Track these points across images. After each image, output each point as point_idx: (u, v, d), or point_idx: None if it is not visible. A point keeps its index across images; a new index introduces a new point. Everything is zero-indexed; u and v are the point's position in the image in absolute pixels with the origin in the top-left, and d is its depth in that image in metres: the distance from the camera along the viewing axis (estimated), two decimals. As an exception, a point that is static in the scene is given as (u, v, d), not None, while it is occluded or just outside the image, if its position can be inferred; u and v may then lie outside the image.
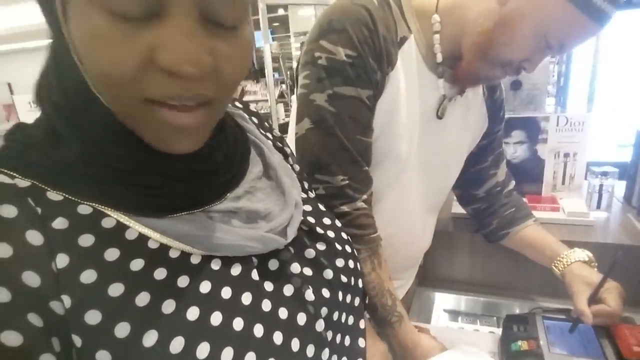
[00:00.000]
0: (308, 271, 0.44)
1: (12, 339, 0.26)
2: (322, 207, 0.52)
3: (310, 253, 0.45)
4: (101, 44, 0.28)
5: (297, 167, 0.57)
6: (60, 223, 0.31)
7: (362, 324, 0.50)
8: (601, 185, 1.08)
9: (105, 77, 0.29)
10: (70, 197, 0.32)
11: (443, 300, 1.02)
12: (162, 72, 0.28)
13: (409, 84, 0.68)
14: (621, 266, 0.73)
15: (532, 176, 1.13)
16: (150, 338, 0.30)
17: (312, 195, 0.57)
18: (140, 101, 0.29)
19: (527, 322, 0.82)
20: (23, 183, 0.31)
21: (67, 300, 0.29)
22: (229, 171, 0.40)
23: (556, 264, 0.80)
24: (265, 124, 0.56)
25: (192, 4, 0.28)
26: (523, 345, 0.76)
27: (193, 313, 0.33)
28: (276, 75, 3.46)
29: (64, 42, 0.30)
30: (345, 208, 0.65)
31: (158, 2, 0.27)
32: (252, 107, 0.57)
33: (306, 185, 0.57)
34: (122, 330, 0.29)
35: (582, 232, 0.97)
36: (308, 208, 0.50)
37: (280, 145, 0.56)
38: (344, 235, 0.51)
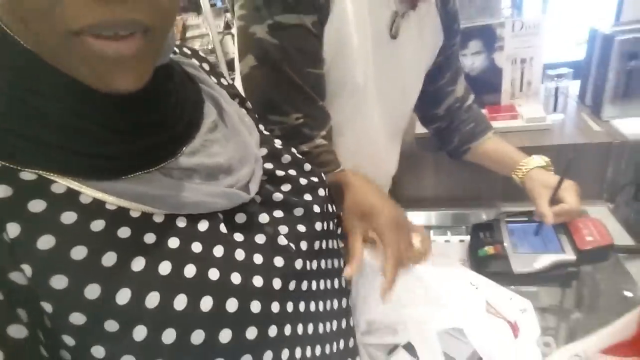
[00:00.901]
0: (279, 213, 0.43)
1: None
2: (278, 145, 0.50)
3: (277, 197, 0.44)
4: None
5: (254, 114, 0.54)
6: (2, 191, 0.28)
7: (340, 243, 0.51)
8: (557, 88, 1.09)
9: (19, 9, 0.26)
10: (8, 164, 0.29)
11: (414, 218, 1.05)
12: None
13: (356, 4, 0.63)
14: (576, 165, 0.76)
15: (490, 86, 1.13)
16: (123, 296, 0.30)
17: (266, 134, 0.54)
18: (64, 35, 0.26)
19: (492, 228, 0.86)
20: None
21: (27, 269, 0.28)
22: (181, 122, 0.37)
23: (516, 172, 0.82)
24: (217, 70, 0.51)
25: None
26: (489, 250, 0.81)
27: (165, 268, 0.32)
28: (219, 3, 3.13)
29: None
30: (304, 147, 0.63)
31: None
32: (197, 43, 0.52)
33: (261, 127, 0.54)
34: (93, 291, 0.29)
35: (540, 136, 1.00)
36: (264, 151, 0.48)
37: (234, 91, 0.51)
38: (306, 167, 0.50)
